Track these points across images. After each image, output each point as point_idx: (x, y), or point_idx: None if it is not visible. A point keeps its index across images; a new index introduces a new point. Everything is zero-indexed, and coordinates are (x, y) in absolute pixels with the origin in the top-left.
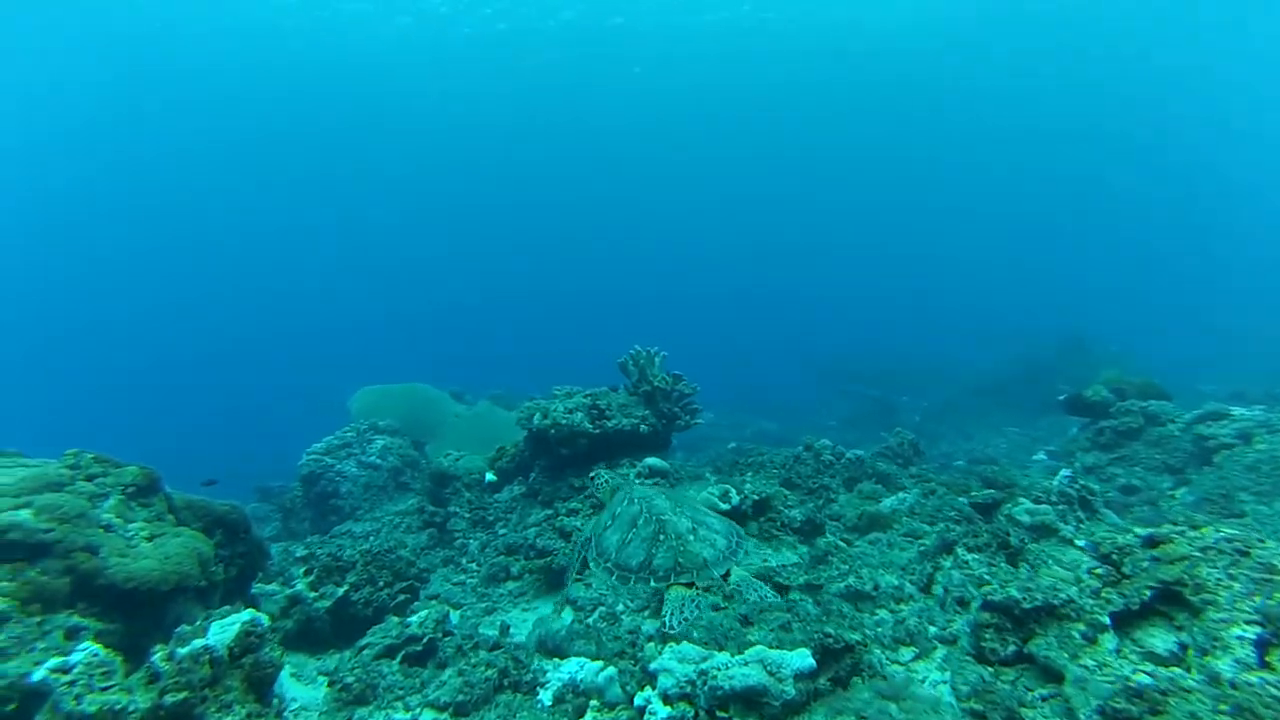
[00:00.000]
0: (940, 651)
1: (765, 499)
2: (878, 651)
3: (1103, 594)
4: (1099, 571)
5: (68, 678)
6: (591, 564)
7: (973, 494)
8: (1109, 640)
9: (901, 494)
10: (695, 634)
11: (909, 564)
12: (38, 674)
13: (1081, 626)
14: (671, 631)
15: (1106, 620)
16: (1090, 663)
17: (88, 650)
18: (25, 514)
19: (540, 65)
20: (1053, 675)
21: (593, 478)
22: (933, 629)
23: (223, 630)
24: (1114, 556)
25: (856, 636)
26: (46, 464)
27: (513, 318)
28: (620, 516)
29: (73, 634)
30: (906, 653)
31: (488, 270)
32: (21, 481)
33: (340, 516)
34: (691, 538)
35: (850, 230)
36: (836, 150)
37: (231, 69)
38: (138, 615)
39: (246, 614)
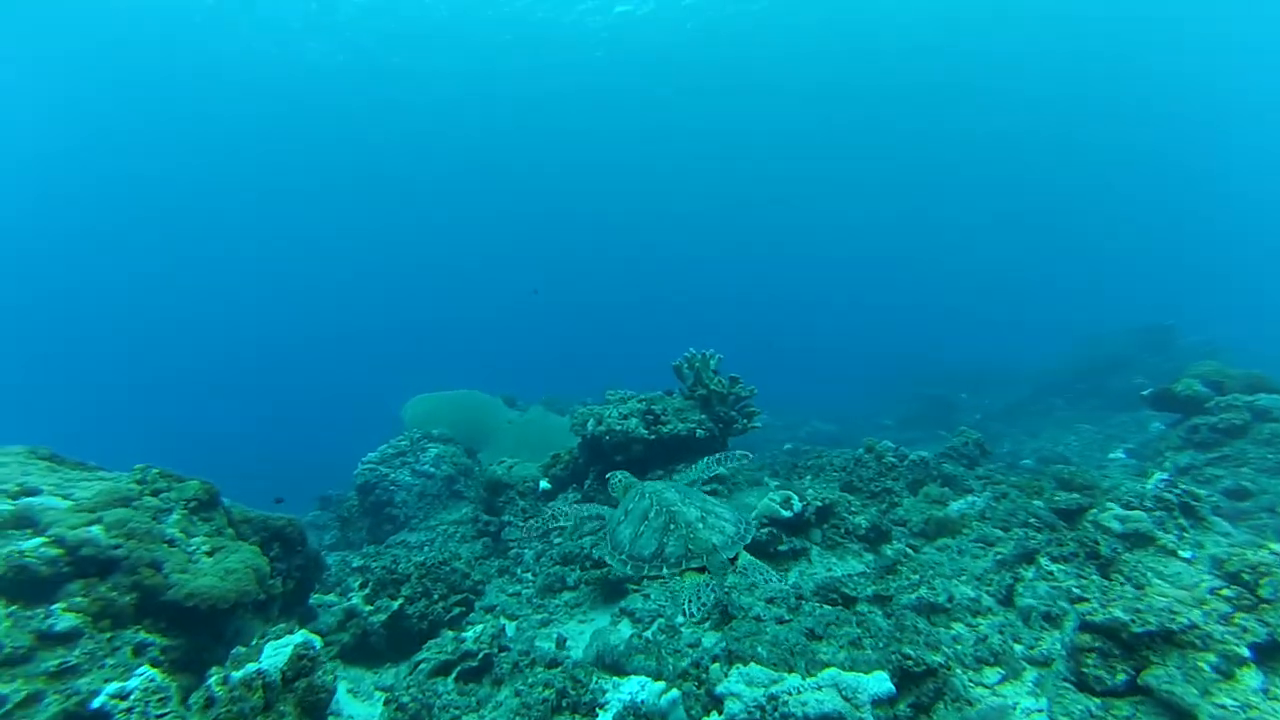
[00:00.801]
0: (1031, 674)
1: (828, 505)
2: (959, 672)
3: (1236, 620)
4: (1226, 593)
5: (125, 704)
6: (607, 558)
7: (1053, 498)
8: (1252, 677)
9: (970, 497)
10: (761, 650)
11: (984, 574)
12: (98, 700)
13: (1211, 658)
14: (692, 619)
15: (1246, 653)
16: (1229, 702)
17: (144, 675)
18: (97, 530)
19: (574, 66)
20: (1180, 714)
21: (607, 478)
22: (1019, 648)
23: (275, 653)
24: (1245, 576)
25: (938, 659)
26: (119, 478)
27: (561, 322)
28: (632, 512)
29: (140, 650)
30: (991, 674)
31: (535, 275)
32: (97, 496)
33: (395, 526)
34: (700, 525)
35: (903, 227)
36: (885, 147)
37: (283, 69)
38: (199, 630)
39: (299, 635)
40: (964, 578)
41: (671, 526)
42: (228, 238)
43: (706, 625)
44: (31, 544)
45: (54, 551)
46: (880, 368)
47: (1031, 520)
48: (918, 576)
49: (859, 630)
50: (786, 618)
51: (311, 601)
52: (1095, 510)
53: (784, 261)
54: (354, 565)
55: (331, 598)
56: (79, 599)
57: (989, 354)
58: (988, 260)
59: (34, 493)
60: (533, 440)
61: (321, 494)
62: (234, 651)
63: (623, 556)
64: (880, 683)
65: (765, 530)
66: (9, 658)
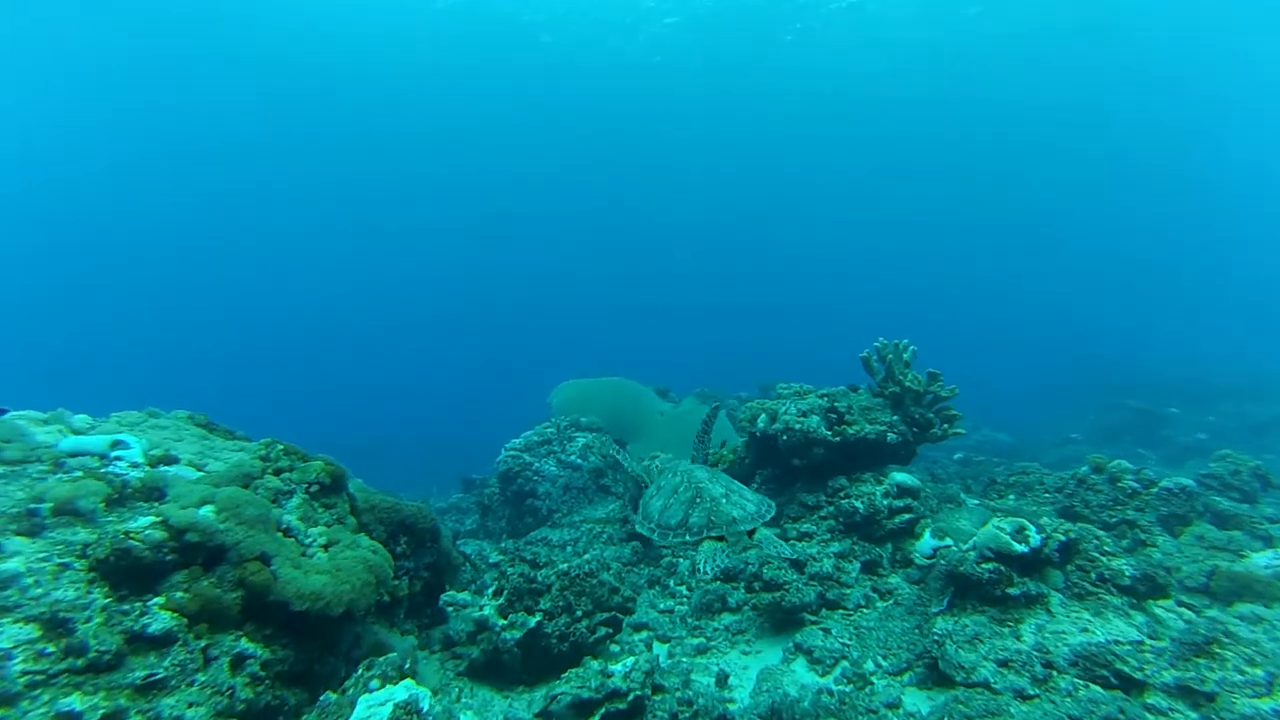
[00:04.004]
0: None
1: (1073, 540)
2: None
3: None
4: None
5: None
6: (638, 526)
7: None
8: None
9: None
10: None
11: None
12: None
13: None
14: (704, 577)
15: None
16: None
17: None
18: (207, 511)
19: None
20: None
21: (654, 458)
22: None
23: (369, 713)
24: None
25: None
26: (249, 451)
27: (716, 317)
28: (664, 488)
29: (239, 663)
30: None
31: (694, 267)
32: (223, 472)
33: (537, 519)
34: (724, 501)
35: (1093, 213)
36: (1059, 132)
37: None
38: (311, 638)
39: (401, 690)
40: None
41: (697, 500)
42: (374, 222)
43: (906, 678)
44: (140, 523)
45: (159, 535)
46: (1061, 372)
47: None
48: (1262, 673)
49: None
50: (1031, 692)
51: (443, 601)
52: None
53: (953, 254)
54: (490, 560)
55: (465, 596)
56: (179, 594)
57: (1206, 360)
58: (1203, 250)
59: (171, 461)
60: (685, 435)
61: (465, 475)
62: (322, 699)
63: (652, 525)
64: None
65: (988, 566)
66: (94, 663)
